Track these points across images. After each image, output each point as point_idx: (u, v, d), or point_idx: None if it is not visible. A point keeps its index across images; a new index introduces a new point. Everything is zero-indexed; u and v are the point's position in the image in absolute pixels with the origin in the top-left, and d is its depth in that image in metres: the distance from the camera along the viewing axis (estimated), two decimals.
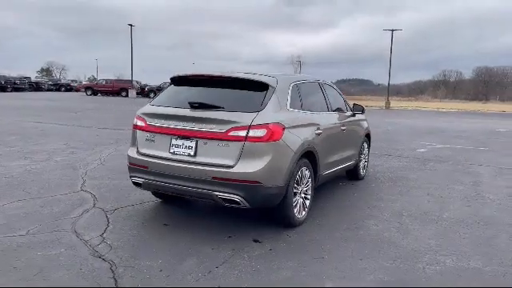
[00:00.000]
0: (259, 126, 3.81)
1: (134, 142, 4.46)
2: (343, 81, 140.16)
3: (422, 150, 10.80)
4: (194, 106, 4.07)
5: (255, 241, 3.98)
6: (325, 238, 4.10)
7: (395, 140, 12.34)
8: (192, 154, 3.98)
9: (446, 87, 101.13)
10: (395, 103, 46.16)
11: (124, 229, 4.20)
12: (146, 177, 4.24)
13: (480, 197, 5.94)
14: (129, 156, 4.46)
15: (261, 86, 4.19)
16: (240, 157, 3.79)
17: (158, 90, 43.29)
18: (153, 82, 63.83)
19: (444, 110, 37.12)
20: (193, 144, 3.99)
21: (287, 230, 4.28)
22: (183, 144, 4.05)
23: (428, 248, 3.92)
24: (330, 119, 5.24)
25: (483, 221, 4.81)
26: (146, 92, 43.90)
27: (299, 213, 4.39)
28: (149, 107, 4.46)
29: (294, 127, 4.19)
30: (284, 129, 4.00)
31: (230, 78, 4.36)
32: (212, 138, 3.90)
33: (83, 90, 45.94)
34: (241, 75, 4.33)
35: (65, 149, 8.84)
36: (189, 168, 3.96)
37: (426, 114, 32.38)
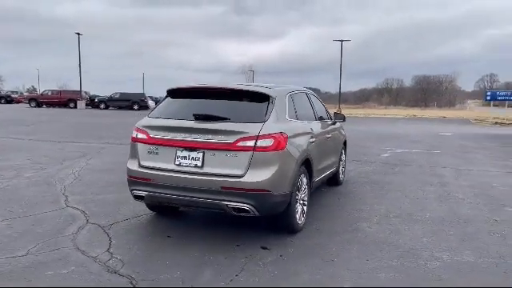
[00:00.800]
0: (266, 136, 3.95)
1: (134, 155, 4.42)
2: None
3: (386, 154, 11.40)
4: (199, 117, 4.13)
5: (263, 248, 4.08)
6: (328, 242, 4.29)
7: (359, 146, 12.90)
8: (199, 165, 4.03)
9: (389, 94, 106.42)
10: (345, 111, 47.96)
11: (129, 244, 4.15)
12: (150, 189, 4.22)
13: (451, 197, 6.42)
14: (129, 169, 4.41)
15: (261, 97, 4.33)
16: (249, 166, 3.90)
17: (109, 100, 42.01)
18: (102, 92, 61.84)
19: (391, 117, 39.08)
20: (200, 155, 4.04)
21: (290, 236, 4.42)
22: (189, 155, 4.08)
23: (423, 246, 4.22)
24: (318, 128, 5.47)
25: (462, 219, 5.22)
26: (95, 103, 42.33)
27: (299, 219, 4.55)
28: (149, 119, 4.45)
29: (294, 136, 4.36)
30: (287, 138, 4.16)
31: (229, 89, 4.46)
32: (220, 149, 3.97)
33: (26, 101, 43.52)
34: (241, 87, 4.45)
35: (31, 164, 8.43)
36: (196, 179, 4.00)
37: (377, 120, 33.91)
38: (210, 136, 4.02)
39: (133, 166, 4.38)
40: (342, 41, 40.87)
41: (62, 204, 5.52)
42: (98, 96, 45.68)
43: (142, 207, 5.26)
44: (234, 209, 3.94)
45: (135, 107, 41.10)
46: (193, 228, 4.70)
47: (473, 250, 4.14)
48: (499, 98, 32.72)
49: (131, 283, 3.27)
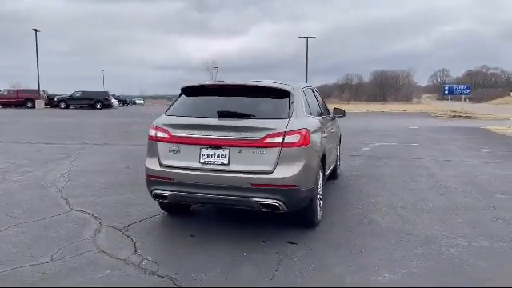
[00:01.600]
0: (293, 132, 3.99)
1: (153, 154, 4.33)
2: None
3: (367, 148, 11.74)
4: (223, 115, 4.11)
5: (290, 243, 4.13)
6: (348, 235, 4.40)
7: None
8: (226, 162, 4.02)
9: (350, 90, 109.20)
10: None
11: (154, 245, 4.09)
12: (173, 189, 4.16)
13: (443, 186, 6.73)
14: (148, 168, 4.32)
15: (281, 93, 4.37)
16: (278, 162, 3.93)
17: (69, 99, 40.46)
18: (59, 91, 59.35)
19: (356, 112, 40.11)
20: (226, 153, 4.03)
21: (310, 230, 4.49)
22: (215, 153, 4.06)
23: (438, 234, 4.42)
24: (326, 123, 5.58)
25: (462, 207, 5.50)
26: (55, 103, 40.57)
27: (319, 213, 4.63)
28: (169, 118, 4.37)
29: (313, 132, 4.43)
30: (310, 134, 4.22)
31: (248, 86, 4.46)
32: (247, 146, 3.98)
33: None
34: (261, 84, 4.46)
35: (14, 167, 8.04)
36: (223, 176, 3.99)
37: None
38: (236, 133, 4.01)
39: (152, 165, 4.30)
40: (307, 37, 41.50)
41: (66, 207, 5.32)
42: (58, 95, 43.84)
43: (150, 208, 5.19)
44: (263, 205, 3.96)
45: (98, 106, 39.85)
46: (211, 226, 4.67)
47: (485, 235, 4.38)
48: (456, 92, 34.34)
49: (175, 283, 3.23)
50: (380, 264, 3.63)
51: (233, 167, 4.00)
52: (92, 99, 40.27)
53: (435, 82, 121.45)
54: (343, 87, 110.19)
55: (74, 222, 4.73)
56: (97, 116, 28.65)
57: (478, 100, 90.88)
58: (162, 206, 4.90)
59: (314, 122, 4.71)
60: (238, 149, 4.01)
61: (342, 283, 3.28)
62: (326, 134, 5.09)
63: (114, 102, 41.90)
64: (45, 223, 4.67)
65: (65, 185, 6.58)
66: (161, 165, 4.24)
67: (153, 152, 4.34)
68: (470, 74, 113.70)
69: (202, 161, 4.09)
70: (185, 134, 4.17)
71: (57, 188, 6.36)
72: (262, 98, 4.41)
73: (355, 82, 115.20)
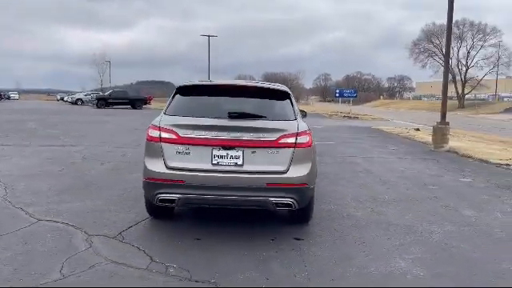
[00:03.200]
0: (303, 133, 4.18)
1: (156, 156, 4.11)
2: (144, 82, 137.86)
3: None
4: (234, 115, 4.11)
5: (297, 239, 4.31)
6: (342, 228, 4.72)
7: None
8: (240, 163, 4.03)
9: None
10: None
11: (166, 251, 3.92)
12: (183, 191, 4.02)
13: (384, 181, 7.52)
14: (151, 171, 4.10)
15: (282, 95, 4.53)
16: (291, 162, 4.07)
17: None
18: None
19: None
20: (239, 153, 4.03)
21: (305, 225, 4.72)
22: (228, 154, 4.04)
23: (413, 222, 4.99)
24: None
25: (412, 198, 6.25)
26: None
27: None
28: (174, 118, 4.19)
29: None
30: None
31: (249, 86, 4.53)
32: (261, 147, 4.04)
33: None
34: (259, 84, 4.57)
35: None
36: (238, 177, 4.00)
37: None
38: (249, 134, 4.04)
39: (156, 167, 4.08)
40: (209, 36, 41.55)
41: (29, 218, 4.72)
42: None
43: (130, 214, 4.95)
44: (278, 204, 4.07)
45: None
46: (210, 228, 4.58)
47: (447, 221, 5.09)
48: (345, 95, 37.80)
49: (215, 285, 3.19)
50: (388, 252, 4.02)
51: (247, 168, 4.03)
52: None
53: (319, 84, 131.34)
54: None
55: (55, 232, 4.25)
56: None
57: (356, 102, 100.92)
58: (150, 210, 4.65)
59: (305, 123, 4.95)
60: (252, 149, 4.05)
61: (369, 272, 3.58)
62: None
63: None
64: (19, 237, 4.10)
65: (6, 193, 5.76)
66: (167, 167, 4.05)
67: (155, 154, 4.13)
68: (347, 78, 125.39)
69: (214, 162, 4.03)
70: (194, 134, 4.06)
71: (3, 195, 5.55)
72: (264, 99, 4.51)
73: None
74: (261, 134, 4.06)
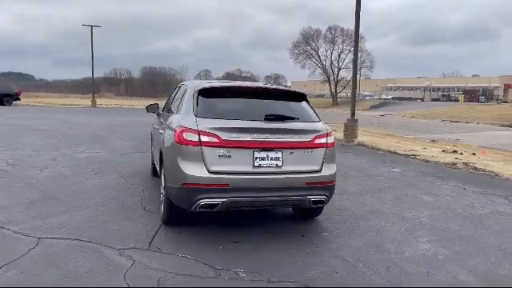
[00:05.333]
0: (330, 134, 4.47)
1: (195, 160, 3.95)
2: (2, 74, 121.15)
3: None
4: (270, 117, 4.18)
5: (322, 233, 4.58)
6: (349, 220, 5.12)
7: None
8: (279, 164, 4.13)
9: (120, 85, 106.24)
10: (85, 101, 45.83)
11: (216, 257, 3.80)
12: (227, 195, 3.96)
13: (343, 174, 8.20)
14: (191, 176, 3.93)
15: (302, 97, 4.73)
16: (324, 161, 4.32)
17: None
18: None
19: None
20: (279, 155, 4.13)
21: (317, 220, 5.01)
22: (268, 156, 4.10)
23: (399, 211, 5.65)
24: None
25: (386, 188, 7.00)
26: None
27: None
28: (213, 121, 4.05)
29: None
30: None
31: (271, 89, 4.72)
32: (298, 147, 4.20)
33: None
34: (281, 87, 4.74)
35: None
36: (278, 178, 4.11)
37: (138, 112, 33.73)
38: (287, 135, 4.17)
39: (197, 172, 3.93)
40: (92, 26, 38.20)
41: (26, 238, 4.09)
42: None
43: (140, 224, 4.64)
44: (314, 201, 4.29)
45: None
46: (238, 230, 4.51)
47: (421, 207, 5.88)
48: None
49: (304, 285, 3.31)
50: (403, 237, 4.56)
51: (286, 168, 4.15)
52: None
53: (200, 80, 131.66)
54: (112, 81, 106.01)
55: (75, 250, 3.78)
56: None
57: None
58: (174, 218, 4.45)
59: None
60: (290, 150, 4.18)
61: (404, 253, 4.06)
62: None
63: None
64: (41, 260, 3.56)
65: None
66: (210, 171, 3.93)
67: (194, 158, 3.96)
68: (228, 75, 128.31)
69: (256, 164, 4.06)
70: (236, 137, 4.01)
71: None
72: (288, 101, 4.68)
73: (125, 76, 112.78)
74: (297, 135, 4.22)
